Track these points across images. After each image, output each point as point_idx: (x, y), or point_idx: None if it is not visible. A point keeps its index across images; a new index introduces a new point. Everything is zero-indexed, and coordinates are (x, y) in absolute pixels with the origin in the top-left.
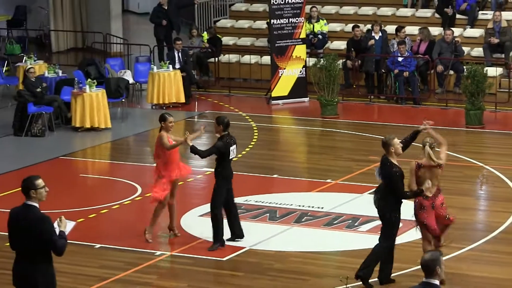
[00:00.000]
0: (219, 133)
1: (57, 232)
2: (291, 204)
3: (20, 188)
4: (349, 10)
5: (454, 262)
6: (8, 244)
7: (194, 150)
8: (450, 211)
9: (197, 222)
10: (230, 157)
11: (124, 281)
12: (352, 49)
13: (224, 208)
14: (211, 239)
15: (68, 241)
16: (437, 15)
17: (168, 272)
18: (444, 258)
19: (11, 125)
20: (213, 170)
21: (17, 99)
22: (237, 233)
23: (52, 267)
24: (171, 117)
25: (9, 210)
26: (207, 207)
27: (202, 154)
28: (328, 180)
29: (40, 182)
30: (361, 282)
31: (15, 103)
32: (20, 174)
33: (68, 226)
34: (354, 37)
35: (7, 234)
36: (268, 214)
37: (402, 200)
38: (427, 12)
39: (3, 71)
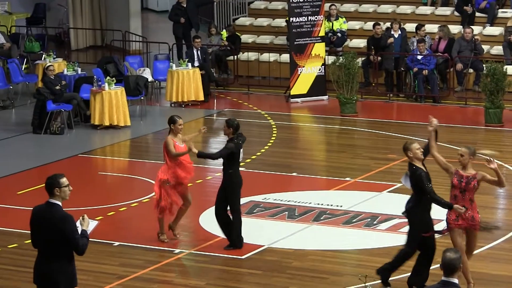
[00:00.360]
0: (229, 135)
1: (79, 231)
2: (310, 202)
3: (40, 185)
4: (368, 8)
5: (473, 261)
6: (28, 241)
7: (202, 155)
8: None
9: (215, 220)
10: (240, 159)
11: (143, 279)
12: (372, 47)
13: (223, 212)
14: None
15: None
16: (456, 13)
17: (187, 270)
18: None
19: (30, 123)
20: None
21: (36, 97)
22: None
23: (73, 265)
24: (180, 119)
25: (28, 208)
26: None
27: (213, 157)
28: (347, 178)
29: (64, 180)
30: (379, 281)
31: (34, 101)
32: (39, 171)
33: (91, 225)
34: (374, 35)
35: (27, 231)
36: (286, 212)
37: (432, 206)
38: (446, 10)
39: (22, 69)
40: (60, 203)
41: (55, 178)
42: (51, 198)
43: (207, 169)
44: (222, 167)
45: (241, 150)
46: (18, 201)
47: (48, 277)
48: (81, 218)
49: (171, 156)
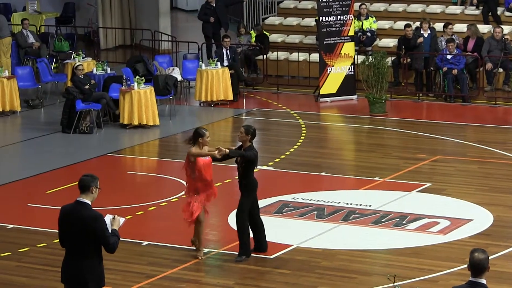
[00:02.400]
0: (245, 143)
1: (109, 230)
2: (339, 202)
3: (68, 185)
4: (398, 7)
5: (502, 261)
6: (57, 241)
7: (235, 153)
8: (499, 209)
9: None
10: (256, 168)
11: (171, 279)
12: (402, 46)
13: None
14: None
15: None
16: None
17: (215, 270)
18: (492, 256)
19: (59, 122)
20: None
21: (65, 96)
22: (260, 247)
23: (102, 265)
24: (207, 131)
25: (57, 207)
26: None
27: (247, 155)
28: (376, 178)
29: (98, 182)
30: (408, 281)
31: (63, 100)
32: (68, 171)
33: (120, 222)
34: (406, 36)
35: (56, 231)
36: (315, 212)
37: None
38: (476, 10)
39: (52, 68)
40: (90, 202)
41: (93, 177)
42: (82, 197)
43: (235, 169)
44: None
45: None
46: (47, 201)
47: (77, 276)
48: (111, 217)
49: (200, 156)
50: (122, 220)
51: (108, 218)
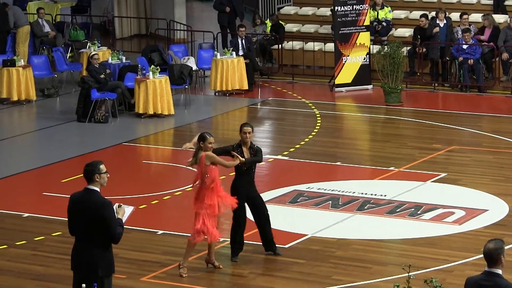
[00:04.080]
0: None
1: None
2: (354, 192)
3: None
4: None
5: None
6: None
7: (251, 161)
8: None
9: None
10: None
11: (186, 268)
12: (418, 36)
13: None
14: (273, 226)
15: (132, 227)
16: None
17: (230, 259)
18: (507, 247)
19: (74, 111)
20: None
21: (80, 85)
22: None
23: (111, 251)
24: (211, 137)
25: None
26: (269, 194)
27: (260, 160)
28: (391, 168)
29: (103, 167)
30: (423, 271)
31: (78, 89)
32: (83, 160)
33: (127, 211)
34: (421, 26)
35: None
36: (330, 202)
37: None
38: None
39: (67, 57)
40: (98, 189)
41: (95, 164)
42: (90, 184)
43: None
44: (267, 156)
45: None
46: (62, 189)
47: (86, 264)
48: (117, 205)
49: (224, 166)
50: (129, 209)
51: (114, 207)
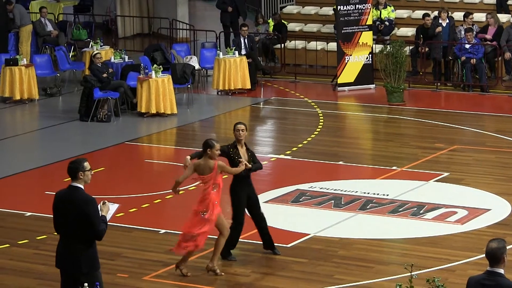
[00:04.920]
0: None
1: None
2: (356, 191)
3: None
4: None
5: None
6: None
7: (256, 168)
8: None
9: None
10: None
11: (188, 267)
12: (421, 35)
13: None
14: (275, 225)
15: (134, 226)
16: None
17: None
18: (509, 246)
19: (77, 110)
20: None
21: (83, 84)
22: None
23: (95, 248)
24: (218, 143)
25: None
26: (271, 193)
27: (261, 166)
28: (394, 167)
29: (87, 164)
30: (425, 271)
31: (81, 88)
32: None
33: (111, 209)
34: (424, 25)
35: None
36: (333, 201)
37: None
38: None
39: (70, 56)
40: (82, 187)
41: (79, 162)
42: (74, 182)
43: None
44: (269, 155)
45: None
46: None
47: (70, 260)
48: (101, 203)
49: (231, 173)
50: (114, 206)
51: (100, 204)
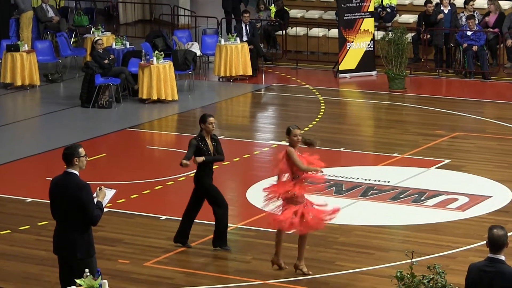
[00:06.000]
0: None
1: (95, 202)
2: (357, 178)
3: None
4: None
5: None
6: None
7: (210, 159)
8: None
9: (262, 195)
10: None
11: (189, 253)
12: (423, 22)
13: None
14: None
15: (135, 212)
16: None
17: (233, 245)
18: (510, 233)
19: (78, 97)
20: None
21: (84, 71)
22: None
23: (91, 234)
24: (297, 129)
25: None
26: (271, 180)
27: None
28: (395, 154)
29: (82, 150)
30: (426, 257)
31: (82, 75)
32: (87, 145)
33: (108, 194)
34: (426, 12)
35: None
36: (334, 188)
37: None
38: None
39: (71, 43)
40: (77, 173)
41: (74, 148)
42: (69, 167)
43: (255, 144)
44: (270, 142)
45: None
46: None
47: (65, 246)
48: (98, 189)
49: (300, 169)
50: (111, 192)
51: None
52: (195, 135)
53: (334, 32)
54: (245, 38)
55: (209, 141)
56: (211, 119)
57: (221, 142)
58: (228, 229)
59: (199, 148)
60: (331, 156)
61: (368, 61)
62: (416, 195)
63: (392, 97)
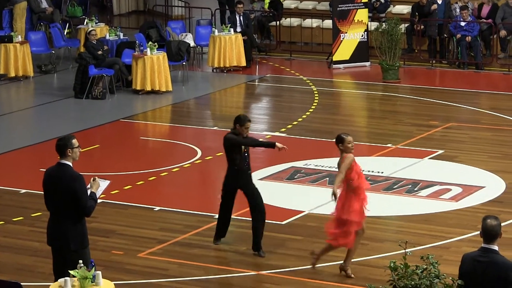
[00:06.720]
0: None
1: (88, 193)
2: None
3: (81, 150)
4: None
5: None
6: None
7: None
8: (511, 176)
9: (256, 185)
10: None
11: (183, 244)
12: (416, 13)
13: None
14: (270, 203)
15: (129, 204)
16: None
17: (226, 235)
18: (504, 223)
19: (72, 88)
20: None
21: (78, 62)
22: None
23: (84, 225)
24: (349, 136)
25: None
26: (267, 171)
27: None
28: (389, 145)
29: (75, 141)
30: (420, 248)
31: (76, 66)
32: (80, 136)
33: (102, 185)
34: (420, 3)
35: None
36: (327, 178)
37: None
38: None
39: (65, 34)
40: (70, 164)
41: (67, 139)
42: (62, 159)
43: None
44: (264, 133)
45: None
46: None
47: (58, 237)
48: (92, 179)
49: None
50: (105, 183)
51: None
52: (231, 130)
53: (328, 23)
54: (239, 29)
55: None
56: (248, 124)
57: (215, 133)
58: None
59: (239, 144)
60: (325, 146)
61: (362, 52)
62: (410, 186)
63: (385, 87)
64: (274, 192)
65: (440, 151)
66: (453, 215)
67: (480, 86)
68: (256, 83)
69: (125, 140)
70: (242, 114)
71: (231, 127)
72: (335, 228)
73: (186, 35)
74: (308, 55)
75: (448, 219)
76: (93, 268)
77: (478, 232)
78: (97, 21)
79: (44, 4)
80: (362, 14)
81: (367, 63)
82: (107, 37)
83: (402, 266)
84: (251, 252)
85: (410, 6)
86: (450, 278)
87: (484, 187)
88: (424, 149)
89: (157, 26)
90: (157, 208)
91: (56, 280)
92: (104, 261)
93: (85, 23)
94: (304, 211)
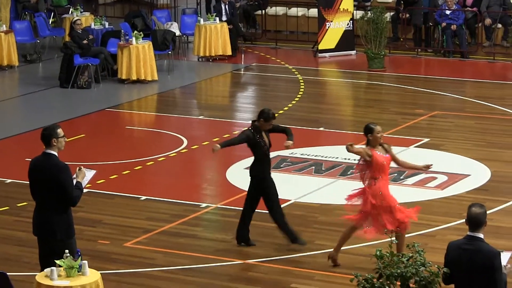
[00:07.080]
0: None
1: (74, 182)
2: (337, 157)
3: (66, 140)
4: None
5: (499, 216)
6: None
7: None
8: (496, 164)
9: (242, 175)
10: None
11: (169, 233)
12: (402, 1)
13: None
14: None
15: (115, 193)
16: None
17: (213, 224)
18: (489, 211)
19: (57, 77)
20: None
21: (63, 51)
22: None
23: (70, 215)
24: (377, 126)
25: None
26: (251, 160)
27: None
28: None
29: (60, 131)
30: (406, 236)
31: (61, 55)
32: (66, 126)
33: (88, 175)
34: None
35: None
36: (313, 167)
37: None
38: None
39: (50, 23)
40: (56, 153)
41: (52, 128)
42: (47, 148)
43: (234, 124)
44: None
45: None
46: None
47: (44, 227)
48: (77, 169)
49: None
50: (90, 173)
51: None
52: (250, 127)
53: (314, 12)
54: (224, 18)
55: (264, 134)
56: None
57: (201, 122)
58: (208, 209)
59: (255, 141)
60: (310, 135)
61: (347, 41)
62: (395, 174)
63: (371, 76)
64: None
65: (426, 140)
66: (438, 203)
67: (465, 74)
68: (242, 72)
69: (110, 129)
70: (268, 108)
71: (216, 116)
72: (393, 218)
73: (172, 24)
74: (293, 43)
75: (434, 207)
76: (79, 258)
77: (464, 220)
78: (82, 10)
79: None
80: (347, 3)
81: (353, 52)
82: (92, 26)
83: (388, 254)
84: (235, 242)
85: None
86: (436, 266)
87: (469, 175)
88: (409, 138)
89: (142, 15)
90: (143, 197)
91: (42, 270)
92: (90, 251)
93: (70, 12)
94: (290, 200)
